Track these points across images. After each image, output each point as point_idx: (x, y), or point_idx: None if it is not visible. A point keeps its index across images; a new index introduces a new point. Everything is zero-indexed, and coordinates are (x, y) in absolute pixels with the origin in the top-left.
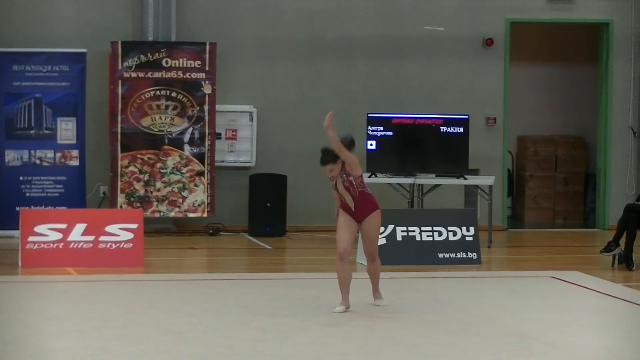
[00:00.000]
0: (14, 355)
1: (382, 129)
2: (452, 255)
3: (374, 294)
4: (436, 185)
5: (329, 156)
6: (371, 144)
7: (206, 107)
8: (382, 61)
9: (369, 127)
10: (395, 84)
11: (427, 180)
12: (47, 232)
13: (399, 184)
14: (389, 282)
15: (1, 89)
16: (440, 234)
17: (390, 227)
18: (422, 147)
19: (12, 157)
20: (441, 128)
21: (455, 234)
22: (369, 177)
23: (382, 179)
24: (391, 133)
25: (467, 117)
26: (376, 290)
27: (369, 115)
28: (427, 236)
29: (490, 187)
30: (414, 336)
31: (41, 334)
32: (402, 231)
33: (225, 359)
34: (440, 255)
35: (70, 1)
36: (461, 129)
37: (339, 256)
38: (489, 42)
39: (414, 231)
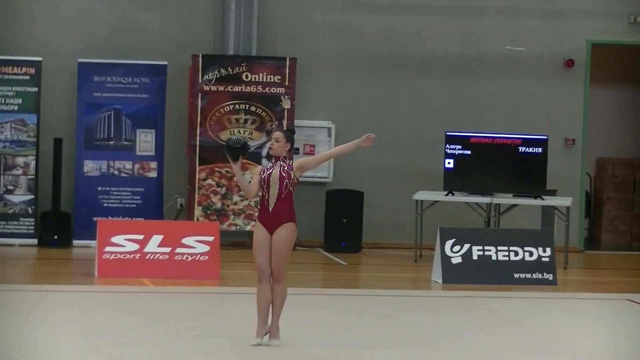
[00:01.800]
0: None
1: (460, 147)
2: (528, 275)
3: (271, 328)
4: (513, 205)
5: (285, 131)
6: (449, 163)
7: (285, 122)
8: (462, 80)
9: (447, 146)
10: (475, 103)
11: (504, 200)
12: (123, 243)
13: (476, 203)
14: (464, 301)
15: (82, 100)
16: (516, 254)
17: (467, 246)
18: (500, 166)
19: (91, 167)
20: (520, 148)
21: (531, 254)
22: (446, 195)
23: (459, 197)
24: (469, 152)
25: (545, 137)
26: (276, 323)
27: (448, 133)
28: (503, 256)
29: (568, 208)
30: (488, 356)
31: (115, 345)
32: (479, 250)
33: None
34: (516, 276)
35: (153, 14)
36: (540, 150)
37: (257, 278)
38: (569, 63)
39: (490, 250)
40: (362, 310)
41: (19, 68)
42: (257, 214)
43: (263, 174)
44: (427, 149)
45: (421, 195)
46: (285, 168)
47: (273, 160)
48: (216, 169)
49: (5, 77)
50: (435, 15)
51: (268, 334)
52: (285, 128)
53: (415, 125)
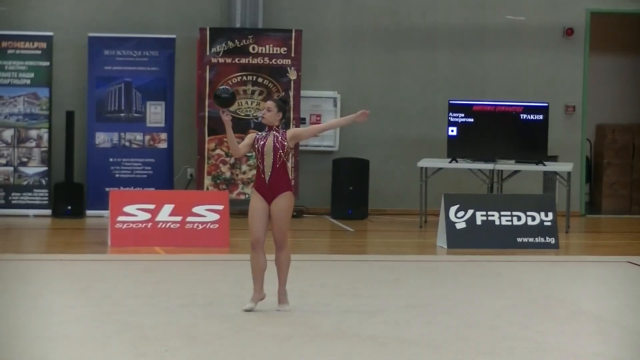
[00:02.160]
0: (104, 331)
1: (463, 115)
2: (531, 239)
3: (279, 295)
4: (515, 171)
5: (276, 100)
6: (452, 130)
7: (291, 93)
8: (464, 50)
9: (450, 114)
10: (477, 72)
11: (507, 166)
12: (135, 213)
13: (479, 169)
14: (468, 265)
15: (92, 73)
16: (519, 218)
17: (470, 212)
18: (502, 133)
19: (103, 139)
20: (521, 115)
21: (534, 219)
22: (450, 162)
23: (463, 164)
24: (472, 120)
25: (546, 105)
26: (283, 289)
27: (451, 102)
28: (506, 221)
29: (569, 173)
30: (493, 319)
31: (130, 311)
32: (482, 216)
33: (310, 338)
34: (519, 240)
35: None
36: (541, 117)
37: (252, 246)
38: (569, 32)
39: (493, 216)
40: (368, 276)
41: (31, 43)
42: None
43: (257, 143)
44: (430, 117)
45: (425, 163)
46: (279, 138)
47: (267, 130)
48: (225, 139)
49: (18, 51)
50: None
51: (277, 301)
52: (279, 98)
53: (419, 95)
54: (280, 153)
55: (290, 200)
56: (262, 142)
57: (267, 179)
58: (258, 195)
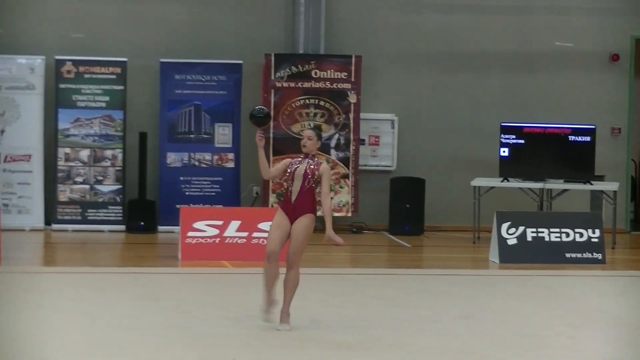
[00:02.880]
0: (173, 338)
1: (514, 137)
2: (579, 255)
3: (282, 313)
4: (564, 190)
5: (315, 130)
6: (504, 151)
7: (351, 115)
8: (515, 74)
9: (502, 135)
10: (527, 95)
11: (556, 185)
12: (204, 228)
13: (529, 188)
14: (519, 279)
15: (164, 96)
16: (567, 235)
17: (521, 229)
18: (551, 154)
19: (173, 158)
20: (569, 137)
21: (581, 235)
22: (502, 181)
23: (514, 183)
24: (523, 141)
25: (594, 127)
26: (287, 308)
27: (503, 124)
28: (556, 237)
29: (615, 192)
30: (541, 328)
31: (198, 320)
32: (532, 232)
33: (369, 346)
34: (568, 255)
35: (228, 16)
36: (588, 138)
37: (267, 256)
38: (615, 57)
39: (543, 232)
40: (424, 289)
41: (107, 68)
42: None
43: (290, 167)
44: (483, 138)
45: (478, 182)
46: (312, 166)
47: (303, 156)
48: (288, 159)
49: (94, 76)
50: (489, 14)
51: (279, 319)
52: (313, 126)
53: (472, 117)
54: (309, 179)
55: (311, 221)
56: (295, 167)
57: (292, 199)
58: (282, 213)
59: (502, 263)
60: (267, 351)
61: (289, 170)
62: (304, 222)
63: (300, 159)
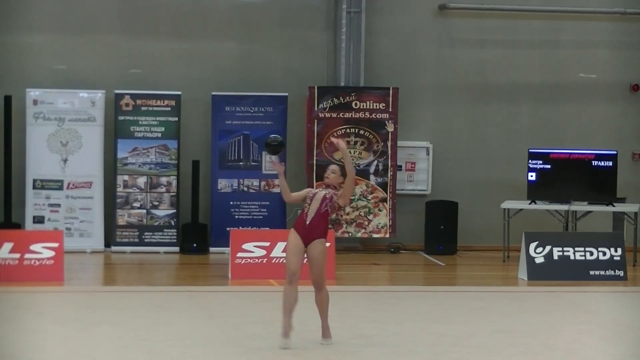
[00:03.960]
0: (227, 353)
1: (541, 162)
2: (602, 272)
3: (323, 329)
4: (588, 212)
5: (340, 165)
6: (532, 175)
7: (389, 143)
8: (542, 103)
9: (530, 161)
10: (554, 123)
11: (580, 207)
12: (253, 249)
13: (555, 210)
14: (547, 295)
15: (215, 127)
16: (591, 254)
17: (548, 248)
18: (576, 178)
19: (224, 184)
20: (593, 162)
21: (604, 254)
22: (530, 203)
23: (541, 205)
24: (549, 166)
25: (615, 152)
26: (326, 324)
27: (530, 150)
28: (580, 256)
29: (636, 213)
30: (569, 342)
31: (249, 336)
32: (558, 251)
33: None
34: (592, 273)
35: (275, 52)
36: (610, 163)
37: (287, 279)
38: (635, 87)
39: (568, 251)
40: (458, 304)
41: (162, 101)
42: (365, 222)
43: (311, 192)
44: (512, 164)
45: (508, 204)
46: (332, 193)
47: (324, 186)
48: (311, 188)
49: (151, 108)
50: (519, 48)
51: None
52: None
53: (502, 144)
54: (326, 202)
55: (325, 245)
56: (316, 192)
57: (307, 221)
58: (296, 234)
59: (530, 280)
60: None
61: (310, 195)
62: (320, 247)
63: (321, 188)
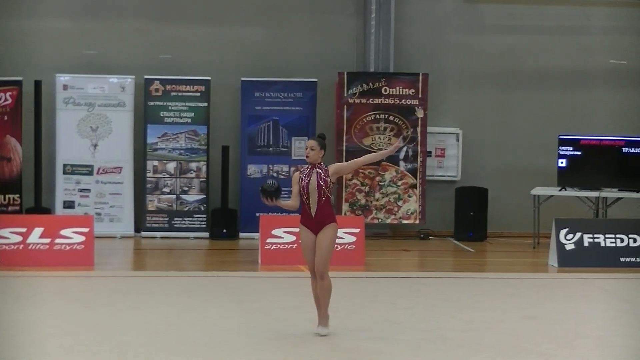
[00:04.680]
0: (257, 338)
1: (571, 149)
2: (633, 259)
3: (320, 319)
4: (618, 198)
5: (318, 139)
6: (562, 162)
7: (419, 129)
8: (572, 90)
9: (560, 147)
10: (583, 110)
11: (611, 194)
12: (282, 235)
13: (586, 196)
14: (577, 282)
15: (245, 112)
16: (622, 240)
17: (578, 234)
18: (606, 165)
19: (253, 170)
20: (623, 148)
21: (635, 240)
22: (560, 190)
23: (571, 192)
24: (579, 152)
25: None
26: (325, 314)
27: (560, 136)
28: (611, 242)
29: None
30: (599, 330)
31: (279, 322)
32: (589, 238)
33: (437, 346)
34: (622, 259)
35: (304, 38)
36: None
37: (311, 274)
38: None
39: (599, 238)
40: (488, 291)
41: (191, 86)
42: (395, 209)
43: (301, 182)
44: (542, 150)
45: (538, 191)
46: (322, 175)
47: (309, 167)
48: (360, 170)
49: (180, 94)
50: (548, 34)
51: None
52: (318, 135)
53: (532, 130)
54: (323, 189)
55: (335, 230)
56: (306, 181)
57: (313, 214)
58: (306, 229)
59: (561, 267)
60: (344, 350)
61: (301, 185)
62: (329, 233)
63: (307, 170)
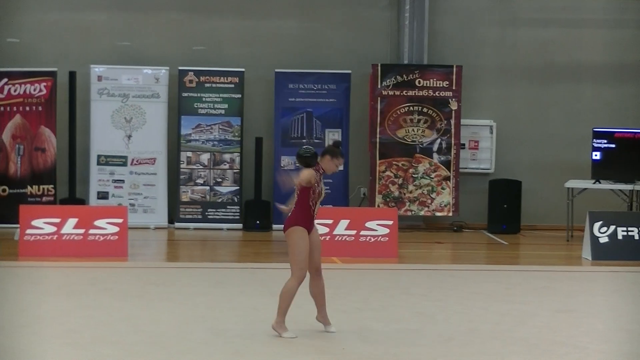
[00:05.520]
0: (290, 329)
1: (605, 142)
2: None
3: (325, 318)
4: None
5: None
6: (596, 155)
7: (452, 121)
8: (605, 83)
9: (594, 140)
10: (617, 103)
11: None
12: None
13: (620, 189)
14: (611, 275)
15: (278, 104)
16: None
17: (612, 228)
18: None
19: (287, 162)
20: None
21: None
22: (594, 183)
23: (605, 185)
24: (614, 145)
25: None
26: (325, 312)
27: (595, 129)
28: None
29: None
30: (633, 323)
31: (309, 313)
32: (623, 231)
33: (469, 339)
34: None
35: (338, 30)
36: None
37: (312, 275)
38: None
39: (633, 231)
40: (521, 284)
41: (226, 78)
42: (428, 201)
43: (317, 187)
44: (576, 143)
45: (572, 184)
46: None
47: (321, 173)
48: (394, 162)
49: (214, 85)
50: (582, 28)
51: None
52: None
53: (566, 123)
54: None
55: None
56: (319, 189)
57: (314, 216)
58: (306, 232)
59: (594, 260)
60: (376, 342)
61: (317, 191)
62: (317, 232)
63: (318, 176)
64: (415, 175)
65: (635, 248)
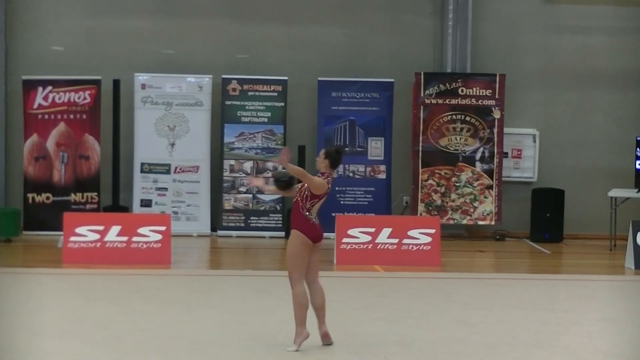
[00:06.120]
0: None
1: None
2: None
3: (326, 331)
4: None
5: (327, 150)
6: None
7: (495, 130)
8: None
9: (638, 149)
10: None
11: None
12: (358, 235)
13: None
14: None
15: (321, 112)
16: None
17: None
18: None
19: None
20: None
21: None
22: (637, 192)
23: None
24: None
25: None
26: (325, 323)
27: (639, 138)
28: None
29: None
30: None
31: (350, 321)
32: None
33: (512, 347)
34: None
35: (381, 38)
36: None
37: (309, 285)
38: None
39: None
40: (563, 292)
41: (269, 86)
42: (471, 209)
43: (325, 191)
44: (619, 151)
45: (615, 193)
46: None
47: (327, 177)
48: (436, 170)
49: (257, 94)
50: (625, 35)
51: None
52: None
53: (608, 131)
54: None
55: None
56: (324, 192)
57: (317, 223)
58: (310, 243)
59: (637, 269)
60: (419, 350)
61: (325, 192)
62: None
63: (327, 179)
64: (458, 184)
65: None
